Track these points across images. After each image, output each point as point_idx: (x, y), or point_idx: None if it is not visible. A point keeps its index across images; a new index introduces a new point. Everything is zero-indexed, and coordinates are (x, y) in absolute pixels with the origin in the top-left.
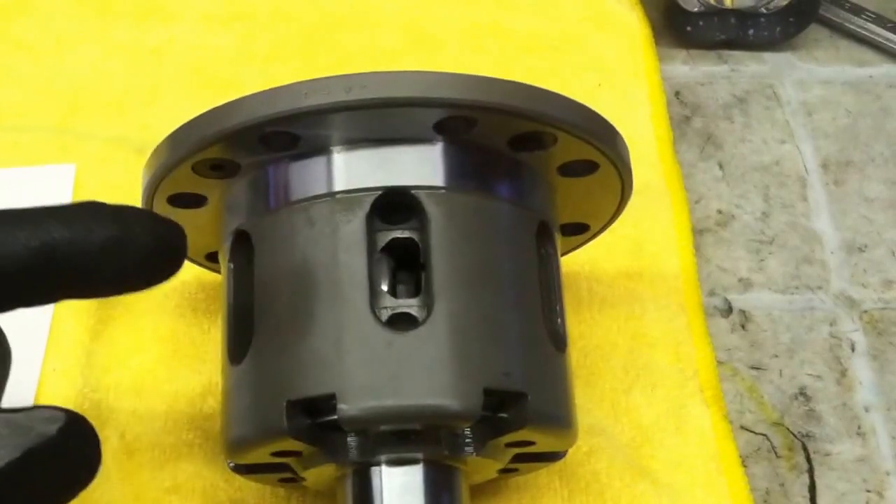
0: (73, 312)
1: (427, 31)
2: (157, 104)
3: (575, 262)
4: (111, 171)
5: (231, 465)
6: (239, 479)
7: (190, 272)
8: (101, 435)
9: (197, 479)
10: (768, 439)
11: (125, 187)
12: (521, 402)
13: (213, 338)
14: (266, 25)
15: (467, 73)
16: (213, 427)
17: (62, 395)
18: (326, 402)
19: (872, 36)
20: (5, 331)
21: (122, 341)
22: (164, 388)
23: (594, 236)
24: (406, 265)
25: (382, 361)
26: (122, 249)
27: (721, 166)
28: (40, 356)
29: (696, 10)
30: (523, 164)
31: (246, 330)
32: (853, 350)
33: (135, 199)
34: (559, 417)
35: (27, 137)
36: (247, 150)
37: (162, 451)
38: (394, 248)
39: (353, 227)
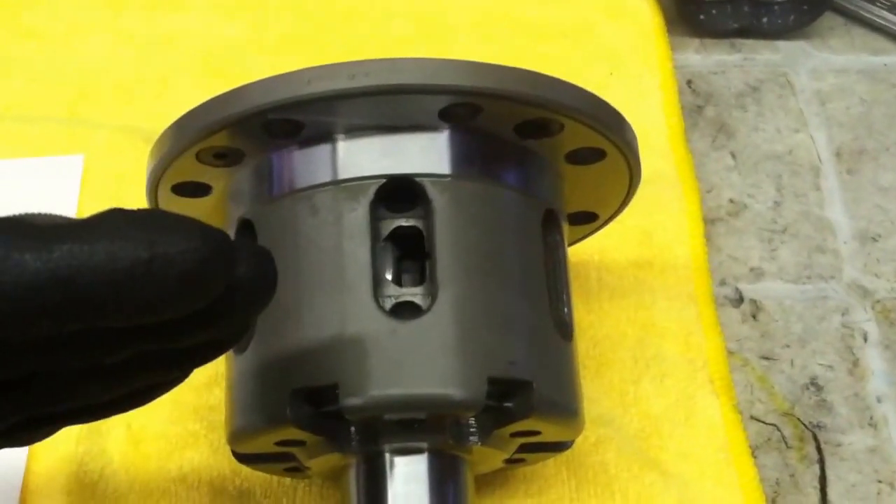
0: None
1: (438, 20)
2: (167, 94)
3: (584, 252)
4: (120, 161)
5: (236, 454)
6: (245, 469)
7: None
8: (107, 426)
9: (203, 470)
10: (779, 430)
11: (134, 177)
12: (526, 391)
13: None
14: (276, 14)
15: (472, 60)
16: (219, 417)
17: None
18: (330, 392)
19: (887, 24)
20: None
21: None
22: None
23: (603, 225)
24: (410, 253)
25: (386, 350)
26: (153, 276)
27: (733, 155)
28: None
29: None
30: (530, 151)
31: None
32: (865, 340)
33: (143, 188)
34: (565, 406)
35: (36, 128)
36: (250, 138)
37: (168, 441)
38: (398, 236)
39: (357, 215)
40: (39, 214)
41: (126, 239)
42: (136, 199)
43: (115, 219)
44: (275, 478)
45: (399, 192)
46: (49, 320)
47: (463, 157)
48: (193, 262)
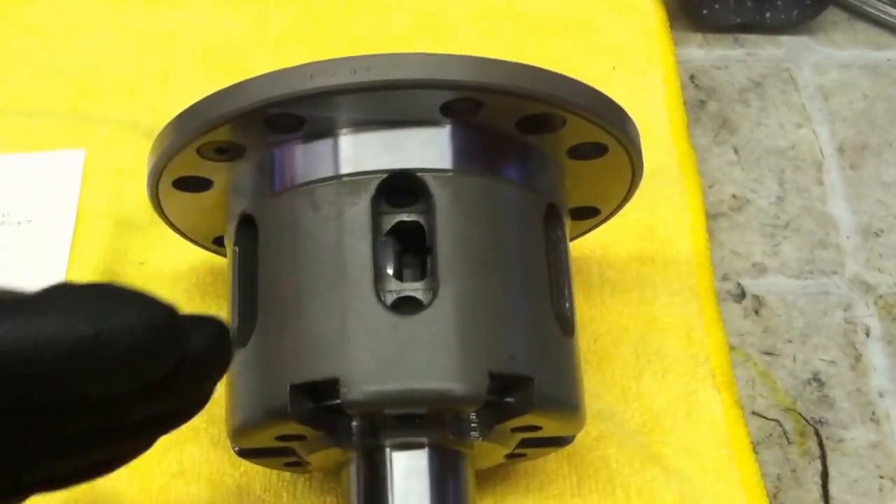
0: None
1: (439, 15)
2: (168, 88)
3: (586, 247)
4: (121, 156)
5: (236, 449)
6: (245, 464)
7: (198, 257)
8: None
9: (203, 464)
10: (780, 425)
11: (135, 172)
12: (527, 386)
13: None
14: (277, 9)
15: (474, 55)
16: (220, 412)
17: None
18: (331, 386)
19: (891, 19)
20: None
21: None
22: None
23: (605, 220)
24: (412, 248)
25: (387, 345)
26: (99, 352)
27: (736, 150)
28: None
29: None
30: (531, 146)
31: (250, 313)
32: (868, 335)
33: (144, 183)
34: (566, 402)
35: (37, 122)
36: (252, 133)
37: (168, 435)
38: (399, 231)
39: (359, 210)
40: None
41: (72, 315)
42: (137, 193)
43: (62, 294)
44: (275, 472)
45: (400, 186)
46: None
47: (464, 152)
48: (140, 338)
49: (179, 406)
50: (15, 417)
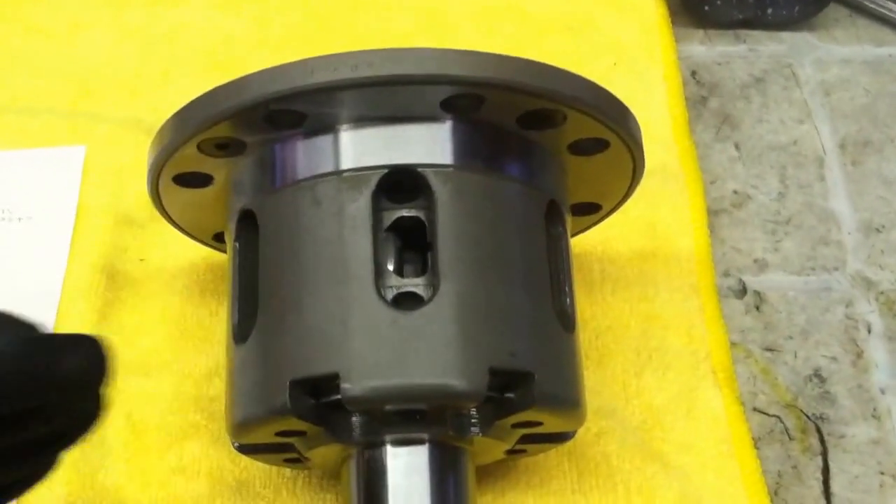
0: (81, 292)
1: (441, 14)
2: (169, 87)
3: (587, 243)
4: (121, 153)
5: (236, 445)
6: (245, 460)
7: (198, 253)
8: (108, 415)
9: (203, 460)
10: (781, 421)
11: (134, 169)
12: (527, 382)
13: (220, 319)
14: (278, 9)
15: (475, 50)
16: (220, 408)
17: None
18: (330, 382)
19: (892, 15)
20: (13, 309)
21: (130, 322)
22: (171, 368)
23: (606, 216)
24: (412, 244)
25: (387, 340)
26: None
27: (737, 147)
28: None
29: None
30: (533, 142)
31: (251, 309)
32: (869, 332)
33: (144, 180)
34: (566, 398)
35: (39, 120)
36: (252, 129)
37: (168, 431)
38: (400, 226)
39: (359, 205)
40: None
41: None
42: (136, 189)
43: None
44: (274, 468)
45: (401, 182)
46: None
47: (465, 147)
48: (7, 362)
49: (65, 426)
50: None
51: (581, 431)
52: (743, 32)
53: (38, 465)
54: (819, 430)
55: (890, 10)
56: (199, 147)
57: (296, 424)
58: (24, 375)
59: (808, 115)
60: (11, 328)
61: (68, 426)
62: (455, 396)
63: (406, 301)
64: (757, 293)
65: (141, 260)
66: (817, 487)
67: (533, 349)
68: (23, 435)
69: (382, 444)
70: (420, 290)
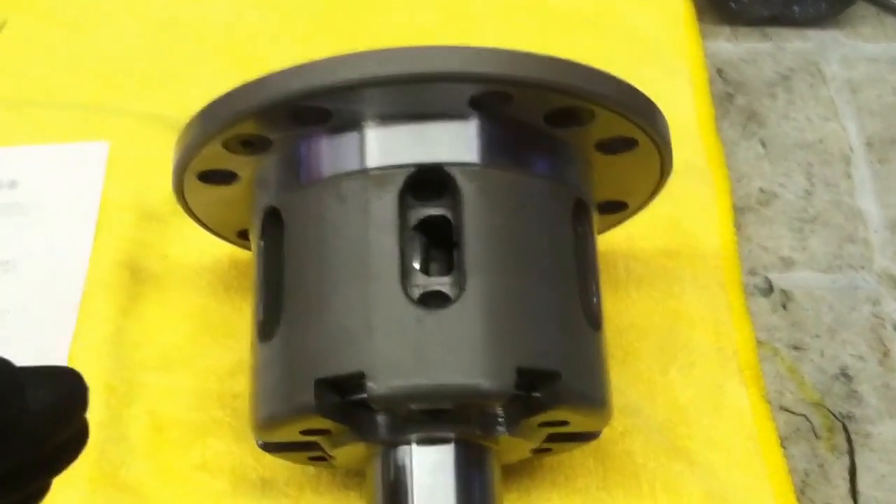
0: (103, 288)
1: (464, 8)
2: (192, 81)
3: (612, 241)
4: (145, 149)
5: (260, 443)
6: (268, 457)
7: (222, 249)
8: (130, 411)
9: (226, 457)
10: (808, 420)
11: (158, 164)
12: (554, 381)
13: (244, 315)
14: (302, 3)
15: (503, 48)
16: (243, 405)
17: (91, 371)
18: (356, 381)
19: None
20: (36, 305)
21: (153, 318)
22: (194, 364)
23: (632, 214)
24: (439, 242)
25: (413, 339)
26: None
27: (764, 144)
28: (70, 332)
29: None
30: (560, 140)
31: (275, 307)
32: None
33: (168, 176)
34: (593, 397)
35: (62, 114)
36: (278, 126)
37: (191, 428)
38: (426, 225)
39: (385, 203)
40: None
41: None
42: (160, 185)
43: None
44: (298, 466)
45: (427, 180)
46: None
47: (492, 145)
48: None
49: (43, 456)
50: None
51: (606, 429)
52: (770, 30)
53: (30, 492)
54: (846, 429)
55: None
56: (224, 144)
57: (320, 423)
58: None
59: (834, 113)
60: None
61: (52, 456)
62: (482, 396)
63: (432, 300)
64: (783, 291)
65: (164, 256)
66: (844, 486)
67: (560, 348)
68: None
69: (408, 442)
70: (446, 289)
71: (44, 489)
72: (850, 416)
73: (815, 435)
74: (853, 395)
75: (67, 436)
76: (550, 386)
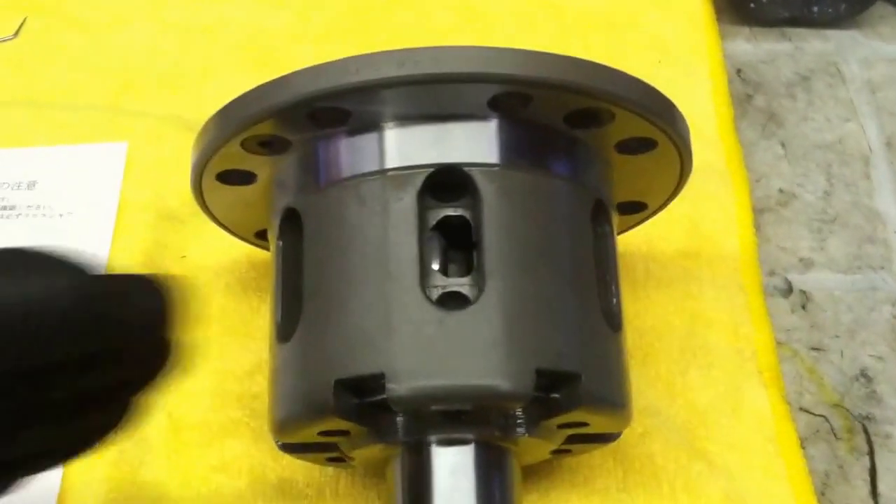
0: None
1: (482, 10)
2: (210, 82)
3: (631, 242)
4: (163, 149)
5: (279, 443)
6: (287, 458)
7: (240, 250)
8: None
9: (245, 458)
10: (828, 421)
11: (176, 165)
12: (574, 382)
13: (262, 316)
14: (319, 4)
15: (522, 48)
16: (262, 405)
17: None
18: (375, 382)
19: None
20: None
21: None
22: (213, 365)
23: (652, 215)
24: (458, 243)
25: (432, 341)
26: (28, 319)
27: (783, 145)
28: None
29: None
30: (579, 140)
31: (294, 308)
32: None
33: (186, 176)
34: (613, 398)
35: (80, 115)
36: (296, 126)
37: (209, 429)
38: (445, 226)
39: (405, 204)
40: None
41: (14, 276)
42: (179, 186)
43: (8, 255)
44: (317, 467)
45: (447, 181)
46: None
47: (512, 146)
48: (68, 304)
49: (136, 368)
50: None
51: (626, 431)
52: (788, 30)
53: (111, 412)
54: (866, 430)
55: None
56: (242, 145)
57: (339, 424)
58: (86, 317)
59: (853, 114)
60: (70, 267)
61: (136, 371)
62: (501, 397)
63: (451, 301)
64: (803, 292)
65: (182, 257)
66: (864, 488)
67: (580, 350)
68: (88, 381)
69: (427, 444)
70: (465, 290)
71: (127, 411)
72: (869, 417)
73: (835, 436)
74: (873, 396)
75: (157, 347)
76: (570, 388)
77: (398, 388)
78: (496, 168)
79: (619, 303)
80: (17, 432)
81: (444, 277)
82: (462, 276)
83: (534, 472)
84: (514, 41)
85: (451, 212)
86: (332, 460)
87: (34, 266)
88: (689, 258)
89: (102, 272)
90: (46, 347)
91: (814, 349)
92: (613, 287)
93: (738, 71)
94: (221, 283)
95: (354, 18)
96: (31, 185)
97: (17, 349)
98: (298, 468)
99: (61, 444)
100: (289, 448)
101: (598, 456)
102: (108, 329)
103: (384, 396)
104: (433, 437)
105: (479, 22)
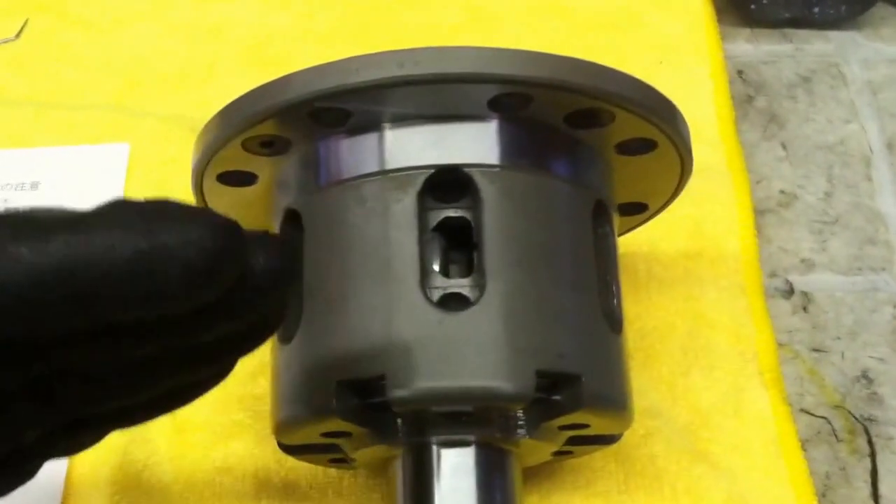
0: None
1: (486, 9)
2: (214, 83)
3: (633, 243)
4: (166, 150)
5: (281, 445)
6: (290, 460)
7: None
8: None
9: (248, 460)
10: (829, 422)
11: (179, 165)
12: (575, 384)
13: None
14: (323, 4)
15: (523, 49)
16: (265, 407)
17: None
18: (377, 383)
19: None
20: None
21: None
22: None
23: (653, 216)
24: (458, 244)
25: (434, 342)
26: (154, 267)
27: (784, 146)
28: None
29: None
30: (580, 141)
31: (296, 309)
32: None
33: (188, 176)
34: (614, 400)
35: (83, 116)
36: (297, 127)
37: (213, 431)
38: (446, 227)
39: (405, 205)
40: (41, 208)
41: (126, 229)
42: (181, 186)
43: (117, 209)
44: (320, 468)
45: (447, 182)
46: (50, 315)
47: (512, 147)
48: (197, 253)
49: (245, 326)
50: (74, 340)
51: (627, 432)
52: (790, 31)
53: (214, 368)
54: (867, 432)
55: None
56: (243, 145)
57: (341, 425)
58: (210, 268)
59: (855, 115)
60: (199, 220)
61: (251, 327)
62: (502, 399)
63: (452, 302)
64: (804, 293)
65: None
66: (865, 489)
67: (581, 351)
68: (205, 333)
69: (428, 445)
70: (466, 291)
71: (229, 369)
72: (871, 419)
73: (837, 437)
74: (874, 398)
75: (272, 309)
76: (571, 389)
77: (399, 389)
78: (497, 169)
79: (619, 304)
80: (120, 388)
81: (444, 279)
82: (463, 277)
83: (535, 474)
84: (516, 41)
85: (451, 212)
86: (334, 461)
87: (167, 215)
88: (691, 259)
89: (234, 226)
90: (165, 296)
91: (815, 350)
92: (614, 288)
93: (740, 72)
94: None
95: (359, 19)
96: (34, 185)
97: (137, 295)
98: (302, 469)
99: (153, 400)
100: (291, 449)
101: (599, 457)
102: (230, 283)
103: (386, 398)
104: (434, 439)
105: (483, 21)
